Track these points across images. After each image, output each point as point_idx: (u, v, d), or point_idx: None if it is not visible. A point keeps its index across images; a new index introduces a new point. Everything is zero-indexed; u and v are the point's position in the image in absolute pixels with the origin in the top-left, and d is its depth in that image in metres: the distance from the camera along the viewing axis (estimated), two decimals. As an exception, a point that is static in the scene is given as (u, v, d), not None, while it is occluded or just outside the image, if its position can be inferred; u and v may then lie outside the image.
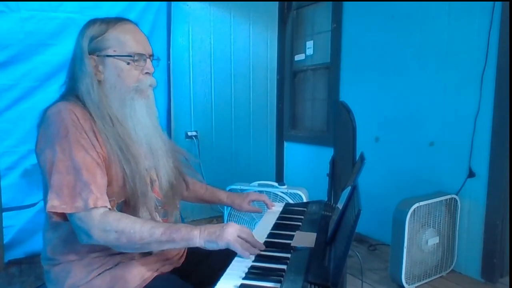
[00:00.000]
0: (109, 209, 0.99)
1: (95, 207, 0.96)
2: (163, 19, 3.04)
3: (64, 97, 1.08)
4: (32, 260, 2.56)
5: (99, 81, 1.07)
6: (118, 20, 1.12)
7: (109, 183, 1.03)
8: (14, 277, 2.41)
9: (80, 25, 1.12)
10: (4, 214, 2.46)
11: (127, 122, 1.08)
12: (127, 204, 1.07)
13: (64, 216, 0.98)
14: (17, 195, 2.55)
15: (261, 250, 1.04)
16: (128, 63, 1.08)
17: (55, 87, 2.85)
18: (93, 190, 0.96)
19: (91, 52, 1.07)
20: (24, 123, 2.54)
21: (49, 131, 1.00)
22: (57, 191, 0.95)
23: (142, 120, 1.10)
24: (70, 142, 0.97)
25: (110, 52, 1.07)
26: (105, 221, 0.95)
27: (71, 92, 1.08)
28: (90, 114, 1.03)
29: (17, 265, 2.53)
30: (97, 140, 1.01)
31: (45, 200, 1.03)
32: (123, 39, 1.08)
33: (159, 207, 1.16)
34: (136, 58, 1.08)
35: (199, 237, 0.98)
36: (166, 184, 1.18)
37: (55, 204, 0.95)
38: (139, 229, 0.96)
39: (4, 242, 2.50)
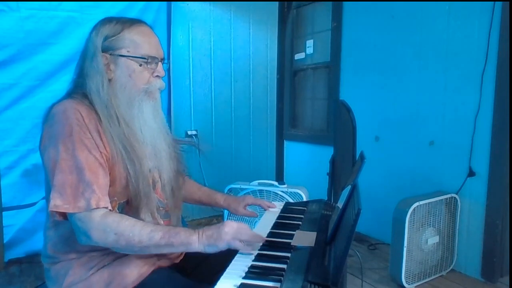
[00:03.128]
0: (110, 210, 0.99)
1: (97, 208, 0.95)
2: (163, 19, 3.04)
3: (70, 94, 1.07)
4: (32, 259, 2.56)
5: (109, 80, 1.07)
6: (134, 21, 1.12)
7: (112, 183, 1.03)
8: (14, 277, 2.41)
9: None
10: (4, 213, 2.47)
11: (133, 123, 1.08)
12: (129, 205, 1.07)
13: (65, 215, 0.98)
14: (17, 195, 2.55)
15: (261, 248, 1.04)
16: (141, 65, 1.09)
17: (56, 86, 2.87)
18: (95, 190, 0.96)
19: (104, 50, 1.06)
20: (25, 122, 2.54)
21: (54, 130, 0.99)
22: (60, 190, 0.95)
23: (148, 122, 1.11)
24: (73, 142, 0.97)
25: (123, 52, 1.07)
26: (104, 223, 0.95)
27: (79, 89, 1.07)
28: (96, 113, 1.02)
29: (17, 265, 2.53)
30: (101, 140, 1.01)
31: (47, 198, 1.02)
32: (138, 41, 1.08)
33: (161, 208, 1.16)
34: (149, 60, 1.09)
35: (198, 242, 0.97)
36: (168, 186, 1.18)
37: (58, 203, 0.94)
38: (138, 232, 0.96)
39: (4, 241, 2.50)
